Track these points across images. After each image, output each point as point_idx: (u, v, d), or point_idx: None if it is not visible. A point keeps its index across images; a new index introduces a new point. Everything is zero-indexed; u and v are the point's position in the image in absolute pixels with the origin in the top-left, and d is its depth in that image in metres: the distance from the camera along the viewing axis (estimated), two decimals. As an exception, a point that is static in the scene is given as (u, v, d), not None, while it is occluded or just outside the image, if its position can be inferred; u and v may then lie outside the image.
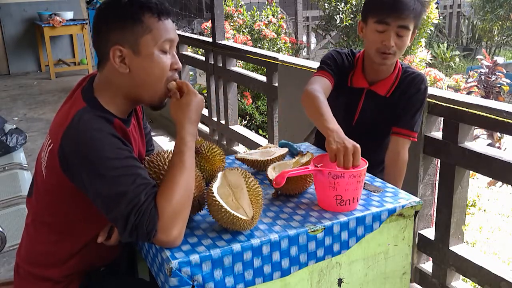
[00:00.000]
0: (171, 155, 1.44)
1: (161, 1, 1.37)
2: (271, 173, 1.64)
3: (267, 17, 6.63)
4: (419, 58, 6.74)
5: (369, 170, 1.60)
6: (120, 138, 1.32)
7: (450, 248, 2.27)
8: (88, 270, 1.53)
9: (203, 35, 6.07)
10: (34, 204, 1.48)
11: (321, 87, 1.86)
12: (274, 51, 6.14)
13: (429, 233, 2.40)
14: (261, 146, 1.97)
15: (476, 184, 4.16)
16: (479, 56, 4.81)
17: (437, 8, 7.33)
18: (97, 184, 1.26)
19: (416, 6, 1.85)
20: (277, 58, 3.42)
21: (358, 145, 1.49)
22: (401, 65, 2.04)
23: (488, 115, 1.99)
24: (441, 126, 2.30)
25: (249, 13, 6.67)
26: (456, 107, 2.12)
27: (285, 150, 1.87)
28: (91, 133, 1.27)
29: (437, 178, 2.35)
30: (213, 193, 1.36)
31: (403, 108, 1.98)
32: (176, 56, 1.42)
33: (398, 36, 1.87)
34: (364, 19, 1.95)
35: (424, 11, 1.91)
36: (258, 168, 1.80)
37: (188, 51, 5.23)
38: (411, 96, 1.98)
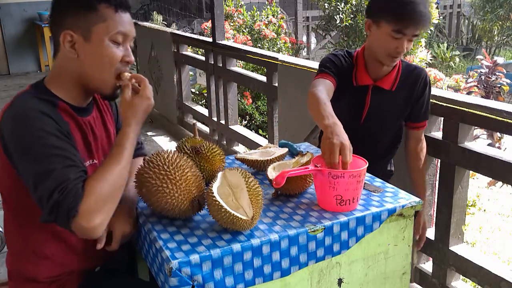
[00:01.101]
0: (171, 155, 1.44)
1: None
2: (271, 173, 1.64)
3: (267, 17, 6.63)
4: (419, 58, 6.73)
5: (378, 160, 1.63)
6: (58, 121, 1.32)
7: (450, 248, 2.27)
8: (83, 270, 1.53)
9: (203, 35, 6.08)
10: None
11: (324, 88, 1.87)
12: (274, 51, 6.14)
13: (429, 233, 2.39)
14: (261, 146, 1.97)
15: (476, 184, 4.16)
16: (479, 56, 4.81)
17: (437, 8, 7.33)
18: (26, 161, 1.27)
19: (428, 14, 1.91)
20: (277, 58, 3.41)
21: (346, 143, 1.48)
22: (402, 60, 2.08)
23: (488, 115, 1.99)
24: (441, 126, 2.30)
25: (249, 13, 6.67)
26: (456, 107, 2.12)
27: (285, 150, 1.87)
28: (25, 112, 1.30)
29: (437, 178, 2.35)
30: (213, 193, 1.36)
31: (407, 103, 2.06)
32: (130, 49, 1.43)
33: (409, 41, 1.92)
34: (377, 21, 1.93)
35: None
36: (258, 168, 1.80)
37: (188, 51, 5.22)
38: (419, 90, 2.06)
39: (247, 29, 6.40)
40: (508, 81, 4.28)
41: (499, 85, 4.24)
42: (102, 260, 1.57)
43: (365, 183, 1.68)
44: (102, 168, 1.30)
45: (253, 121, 5.66)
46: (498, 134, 3.92)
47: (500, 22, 10.68)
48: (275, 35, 6.32)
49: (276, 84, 3.49)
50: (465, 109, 2.08)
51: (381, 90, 2.05)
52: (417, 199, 1.60)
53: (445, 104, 2.17)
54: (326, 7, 6.80)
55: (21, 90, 1.41)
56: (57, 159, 1.26)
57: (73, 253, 1.48)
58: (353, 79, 2.05)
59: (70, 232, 1.27)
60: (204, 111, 4.92)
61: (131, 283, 1.63)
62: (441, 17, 9.29)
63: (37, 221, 1.29)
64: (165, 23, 9.59)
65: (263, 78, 3.73)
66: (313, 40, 10.92)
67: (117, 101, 1.57)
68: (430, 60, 7.82)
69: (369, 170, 1.59)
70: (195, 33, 7.64)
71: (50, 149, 1.26)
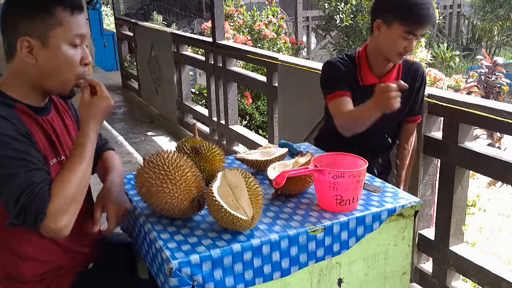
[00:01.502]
0: (171, 155, 1.44)
1: None
2: (271, 173, 1.64)
3: (267, 17, 6.63)
4: (419, 58, 6.74)
5: (382, 153, 1.81)
6: (17, 123, 1.31)
7: (450, 248, 2.27)
8: (74, 267, 1.52)
9: (203, 35, 6.08)
10: None
11: (347, 105, 1.97)
12: (274, 51, 6.14)
13: (429, 233, 2.40)
14: (261, 146, 1.97)
15: (476, 184, 4.15)
16: (479, 56, 4.81)
17: (437, 8, 7.33)
18: None
19: (435, 15, 1.96)
20: (277, 58, 3.41)
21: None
22: None
23: (488, 115, 1.99)
24: (441, 126, 2.30)
25: (249, 13, 6.67)
26: (456, 107, 2.12)
27: (285, 150, 1.87)
28: None
29: (437, 178, 2.35)
30: (213, 193, 1.36)
31: (410, 97, 2.08)
32: (86, 50, 1.43)
33: (414, 41, 1.97)
34: (388, 21, 1.95)
35: None
36: (258, 168, 1.80)
37: (188, 51, 5.23)
38: (418, 84, 2.10)
39: (247, 29, 6.41)
40: (508, 81, 4.28)
41: (499, 85, 4.24)
42: (92, 256, 1.57)
43: (365, 183, 1.68)
44: (66, 169, 1.31)
45: (253, 121, 5.66)
46: (498, 134, 3.92)
47: (500, 22, 10.69)
48: (275, 35, 6.32)
49: (276, 84, 3.49)
50: (465, 109, 2.08)
51: None
52: (417, 199, 1.60)
53: (445, 104, 2.17)
54: (326, 7, 6.81)
55: None
56: (20, 163, 1.26)
57: (57, 250, 1.48)
58: (359, 80, 2.07)
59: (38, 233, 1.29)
60: (204, 111, 4.92)
61: (128, 281, 1.63)
62: (441, 17, 9.29)
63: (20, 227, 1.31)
64: (165, 23, 9.60)
65: (263, 78, 3.73)
66: (313, 40, 10.93)
67: (74, 102, 1.57)
68: (430, 60, 7.82)
69: (372, 166, 1.62)
70: (195, 33, 7.64)
71: (12, 153, 1.26)
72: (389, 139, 2.17)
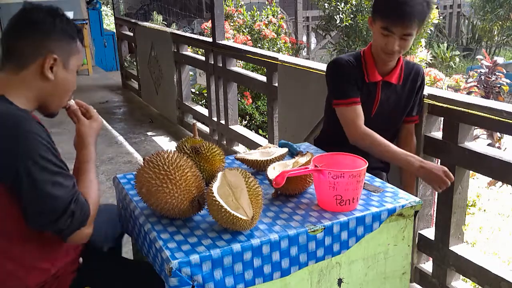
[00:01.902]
0: (171, 155, 1.44)
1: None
2: (271, 173, 1.64)
3: (267, 17, 6.63)
4: (419, 58, 6.74)
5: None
6: (44, 131, 1.38)
7: (450, 248, 2.27)
8: (69, 265, 1.53)
9: (203, 35, 6.08)
10: None
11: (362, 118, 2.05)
12: (274, 51, 6.14)
13: (429, 233, 2.39)
14: (261, 146, 1.98)
15: (476, 184, 4.15)
16: (479, 56, 4.81)
17: (437, 8, 7.33)
18: (31, 176, 1.29)
19: (421, 12, 1.91)
20: (277, 58, 3.41)
21: (444, 168, 1.87)
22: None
23: (488, 115, 1.99)
24: (441, 126, 2.30)
25: (249, 13, 6.67)
26: (456, 107, 2.12)
27: (285, 150, 1.87)
28: (24, 128, 1.31)
29: (437, 178, 2.34)
30: (213, 193, 1.36)
31: (411, 97, 2.12)
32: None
33: (402, 40, 1.95)
34: (373, 17, 2.02)
35: (429, 12, 1.98)
36: (258, 168, 1.80)
37: (188, 51, 5.22)
38: (418, 85, 2.15)
39: (247, 29, 6.41)
40: (508, 81, 4.28)
41: (499, 85, 4.24)
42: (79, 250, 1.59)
43: (365, 183, 1.68)
44: (86, 181, 1.47)
45: (253, 121, 5.66)
46: (498, 134, 3.92)
47: (500, 22, 10.69)
48: (275, 35, 6.32)
49: (276, 84, 3.49)
50: (465, 109, 2.08)
51: (389, 85, 2.12)
52: (417, 199, 1.60)
53: (445, 104, 2.17)
54: (326, 7, 6.81)
55: None
56: (62, 169, 1.35)
57: (58, 255, 1.48)
58: (365, 76, 2.10)
59: (62, 240, 1.39)
60: (204, 111, 4.92)
61: (128, 265, 1.69)
62: (441, 17, 9.29)
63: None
64: (165, 23, 9.60)
65: (263, 78, 3.72)
66: (313, 40, 10.94)
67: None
68: (430, 60, 7.82)
69: (371, 165, 1.64)
70: (195, 33, 7.64)
71: (54, 159, 1.34)
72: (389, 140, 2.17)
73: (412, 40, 1.99)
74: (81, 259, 1.60)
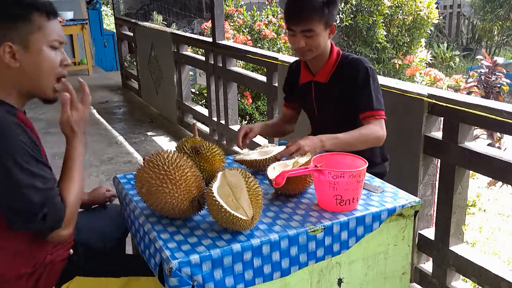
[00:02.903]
0: (171, 155, 1.44)
1: (49, 1, 1.45)
2: (271, 173, 1.64)
3: (267, 17, 6.63)
4: (419, 58, 6.74)
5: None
6: (26, 130, 1.35)
7: (450, 248, 2.27)
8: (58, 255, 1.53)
9: (203, 35, 6.08)
10: None
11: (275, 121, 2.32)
12: (274, 51, 6.14)
13: (429, 233, 2.39)
14: (260, 146, 1.98)
15: (476, 184, 4.15)
16: (479, 56, 4.81)
17: (437, 8, 7.33)
18: (8, 174, 1.28)
19: (314, 7, 1.94)
20: (277, 58, 3.41)
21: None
22: (342, 53, 2.13)
23: (488, 115, 1.99)
24: (441, 126, 2.30)
25: (249, 13, 6.67)
26: (456, 107, 2.12)
27: (283, 147, 1.86)
28: (2, 125, 1.30)
29: (437, 178, 2.34)
30: (213, 193, 1.36)
31: (352, 93, 2.04)
32: (65, 53, 1.50)
33: (307, 37, 1.99)
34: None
35: (330, 7, 1.97)
36: (257, 168, 1.80)
37: (188, 51, 5.22)
38: (352, 80, 2.03)
39: (247, 29, 6.41)
40: (508, 81, 4.27)
41: (499, 85, 4.24)
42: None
43: (365, 183, 1.68)
44: (67, 182, 1.44)
45: (253, 121, 5.66)
46: (498, 134, 3.91)
47: (500, 22, 10.68)
48: (275, 35, 6.32)
49: (276, 84, 3.49)
50: (465, 109, 2.08)
51: (319, 84, 2.15)
52: (417, 199, 1.60)
53: (445, 104, 2.17)
54: (326, 7, 6.78)
55: None
56: (39, 171, 1.33)
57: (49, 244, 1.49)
58: (299, 80, 2.24)
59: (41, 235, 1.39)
60: (204, 111, 4.92)
61: (121, 258, 1.68)
62: (441, 17, 9.29)
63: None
64: (165, 23, 9.59)
65: (263, 78, 3.73)
66: (313, 40, 10.90)
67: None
68: (430, 60, 7.82)
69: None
70: (195, 33, 7.64)
71: (32, 161, 1.32)
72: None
73: (319, 37, 1.97)
74: (71, 251, 1.60)
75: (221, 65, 4.30)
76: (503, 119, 1.93)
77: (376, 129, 1.96)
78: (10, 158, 1.28)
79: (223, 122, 4.45)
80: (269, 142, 3.80)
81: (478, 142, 3.32)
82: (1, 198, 1.31)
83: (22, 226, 1.34)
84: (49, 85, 1.47)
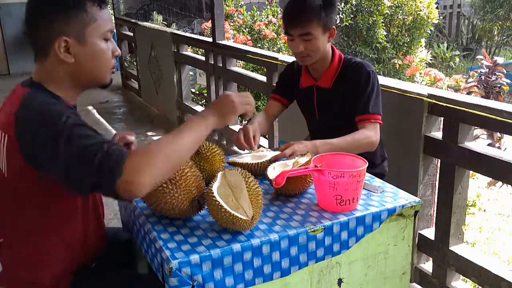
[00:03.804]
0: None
1: None
2: (271, 173, 1.64)
3: (267, 17, 6.63)
4: (419, 58, 6.74)
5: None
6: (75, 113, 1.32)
7: (450, 248, 2.27)
8: (76, 269, 1.52)
9: (203, 35, 6.07)
10: None
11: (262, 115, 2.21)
12: (274, 51, 6.14)
13: (429, 233, 2.39)
14: (261, 146, 1.98)
15: (476, 184, 4.15)
16: (479, 56, 4.80)
17: (437, 8, 7.33)
18: (62, 145, 1.21)
19: (312, 11, 1.93)
20: (277, 58, 3.41)
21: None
22: (345, 57, 2.11)
23: (488, 115, 1.99)
24: (441, 126, 2.30)
25: (249, 13, 6.67)
26: (456, 107, 2.12)
27: (276, 152, 1.85)
28: (44, 105, 1.28)
29: (437, 178, 2.34)
30: (213, 193, 1.36)
31: (353, 97, 2.03)
32: (114, 42, 1.46)
33: (305, 41, 1.97)
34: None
35: (328, 10, 1.95)
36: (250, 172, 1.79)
37: (188, 51, 5.22)
38: (355, 83, 2.03)
39: (247, 29, 6.40)
40: (508, 81, 4.27)
41: (499, 85, 4.23)
42: (96, 255, 1.57)
43: (365, 183, 1.68)
44: (160, 139, 1.29)
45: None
46: (498, 134, 3.91)
47: (500, 22, 10.68)
48: (275, 35, 6.32)
49: (276, 84, 3.49)
50: (465, 109, 2.08)
51: (322, 89, 2.13)
52: (417, 199, 1.60)
53: (445, 104, 2.17)
54: (326, 7, 6.77)
55: (16, 93, 1.37)
56: (91, 133, 1.25)
57: (71, 252, 1.48)
58: (299, 83, 2.20)
59: (116, 199, 1.24)
60: (204, 111, 4.91)
61: (128, 278, 1.62)
62: (441, 17, 9.29)
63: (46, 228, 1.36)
64: (165, 23, 9.58)
65: (263, 78, 3.73)
66: (313, 40, 10.89)
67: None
68: (430, 60, 7.82)
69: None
70: (195, 33, 7.64)
71: (78, 121, 1.26)
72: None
73: (318, 40, 1.96)
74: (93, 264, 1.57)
75: (221, 65, 4.30)
76: (503, 119, 1.93)
77: (369, 134, 1.96)
78: (57, 123, 1.23)
79: (223, 122, 4.44)
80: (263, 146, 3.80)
81: (478, 142, 3.32)
82: (59, 161, 1.22)
83: (84, 180, 1.21)
84: (106, 77, 1.43)
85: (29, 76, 1.45)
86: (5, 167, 1.34)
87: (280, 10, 6.76)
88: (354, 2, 6.64)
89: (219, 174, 1.46)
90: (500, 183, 3.91)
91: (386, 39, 6.81)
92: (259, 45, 6.23)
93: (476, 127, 2.61)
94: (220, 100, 1.44)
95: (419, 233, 2.43)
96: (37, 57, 1.40)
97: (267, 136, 4.20)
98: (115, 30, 7.90)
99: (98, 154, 1.19)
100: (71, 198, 1.41)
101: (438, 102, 2.20)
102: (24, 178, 1.32)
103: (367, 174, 1.75)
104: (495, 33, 11.06)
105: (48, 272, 1.44)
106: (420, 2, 6.79)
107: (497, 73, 4.27)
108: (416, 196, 1.68)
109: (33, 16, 1.36)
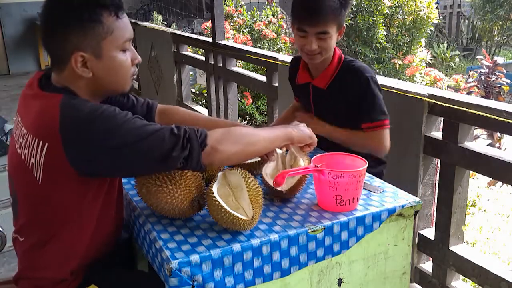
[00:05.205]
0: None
1: None
2: (267, 176, 1.63)
3: (267, 17, 6.63)
4: (419, 58, 6.73)
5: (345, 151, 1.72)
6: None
7: (450, 248, 2.27)
8: (89, 264, 1.51)
9: (203, 35, 6.08)
10: (22, 213, 1.44)
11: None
12: (274, 51, 6.14)
13: (429, 233, 2.39)
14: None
15: (476, 184, 4.16)
16: (479, 56, 4.80)
17: (437, 8, 7.33)
18: (129, 141, 1.23)
19: (331, 9, 1.86)
20: (277, 58, 3.41)
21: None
22: (344, 58, 2.02)
23: (488, 115, 1.99)
24: (441, 126, 2.30)
25: (249, 13, 6.67)
26: (456, 107, 2.12)
27: (278, 152, 1.84)
28: (90, 109, 1.26)
29: (437, 178, 2.35)
30: (213, 193, 1.36)
31: (354, 104, 1.95)
32: (134, 49, 1.44)
33: (320, 39, 1.89)
34: (291, 20, 1.99)
35: (344, 8, 1.90)
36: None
37: (188, 51, 5.22)
38: (354, 91, 1.95)
39: (247, 29, 6.41)
40: (508, 81, 4.27)
41: (499, 85, 4.23)
42: (106, 253, 1.56)
43: (365, 183, 1.68)
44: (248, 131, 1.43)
45: (253, 121, 5.66)
46: (498, 134, 3.91)
47: (500, 22, 10.68)
48: (275, 35, 6.32)
49: (276, 84, 3.49)
50: (465, 109, 2.08)
51: (317, 89, 2.06)
52: (417, 199, 1.60)
53: (445, 104, 2.17)
54: (326, 7, 6.78)
55: (46, 100, 1.32)
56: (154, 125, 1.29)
57: (93, 250, 1.47)
58: (296, 79, 2.18)
59: (200, 169, 1.34)
60: (204, 111, 4.92)
61: (129, 276, 1.63)
62: (441, 17, 9.29)
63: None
64: (165, 23, 9.59)
65: (263, 78, 3.72)
66: (313, 40, 10.89)
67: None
68: (430, 60, 7.81)
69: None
70: (195, 33, 7.63)
71: (139, 122, 1.28)
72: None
73: (332, 39, 1.90)
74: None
75: (221, 65, 4.30)
76: (503, 119, 1.93)
77: (383, 145, 1.95)
78: (117, 131, 1.24)
79: (223, 122, 4.45)
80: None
81: (478, 142, 3.32)
82: (138, 147, 1.24)
83: (172, 152, 1.26)
84: (125, 86, 1.42)
85: (29, 76, 1.44)
86: (41, 175, 1.31)
87: (280, 10, 6.76)
88: (354, 2, 6.64)
89: (219, 174, 1.46)
90: (500, 183, 3.91)
91: (386, 39, 6.81)
92: (259, 45, 6.23)
93: (476, 127, 2.61)
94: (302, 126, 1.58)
95: (419, 233, 2.43)
96: (55, 65, 1.38)
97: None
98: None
99: (182, 128, 1.28)
100: (107, 195, 1.41)
101: (438, 102, 2.20)
102: (63, 185, 1.31)
103: (367, 174, 1.75)
104: (495, 33, 11.05)
105: (67, 268, 1.43)
106: (420, 2, 6.79)
107: (497, 73, 4.27)
108: (416, 196, 1.68)
109: (49, 28, 1.34)
